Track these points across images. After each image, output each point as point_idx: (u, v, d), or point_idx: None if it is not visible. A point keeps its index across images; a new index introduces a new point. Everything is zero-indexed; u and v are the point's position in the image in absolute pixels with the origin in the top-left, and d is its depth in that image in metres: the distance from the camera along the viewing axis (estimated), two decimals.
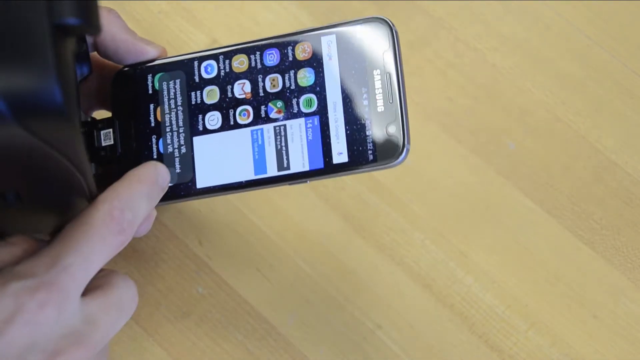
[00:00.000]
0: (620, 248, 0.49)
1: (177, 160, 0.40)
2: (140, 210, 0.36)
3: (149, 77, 0.41)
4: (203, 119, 0.40)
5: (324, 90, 0.39)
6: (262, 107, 0.39)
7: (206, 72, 0.40)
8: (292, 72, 0.39)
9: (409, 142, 0.37)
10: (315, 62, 0.39)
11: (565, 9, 0.54)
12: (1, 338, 0.32)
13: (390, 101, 0.38)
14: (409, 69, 0.53)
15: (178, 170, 0.40)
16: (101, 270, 0.36)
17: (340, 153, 0.38)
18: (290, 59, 0.39)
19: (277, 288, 0.49)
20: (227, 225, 0.50)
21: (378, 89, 0.38)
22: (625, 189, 0.50)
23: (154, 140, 0.40)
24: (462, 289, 0.49)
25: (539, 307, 0.48)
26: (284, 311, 0.48)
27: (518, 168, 0.51)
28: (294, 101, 0.39)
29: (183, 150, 0.40)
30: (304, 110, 0.39)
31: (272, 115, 0.39)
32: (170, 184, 0.39)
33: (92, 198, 0.36)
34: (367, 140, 0.38)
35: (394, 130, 0.38)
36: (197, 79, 0.40)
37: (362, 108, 0.38)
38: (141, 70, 0.41)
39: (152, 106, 0.40)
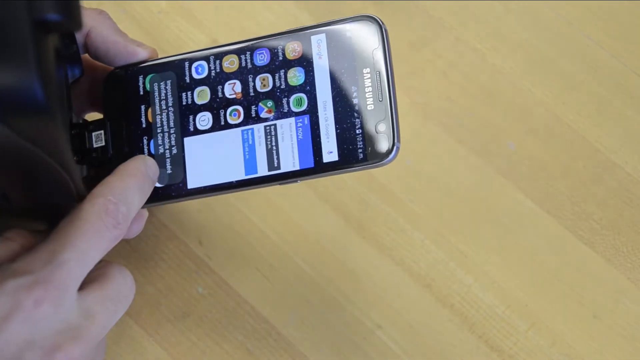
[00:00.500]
0: (620, 248, 0.49)
1: (168, 161, 0.40)
2: (134, 203, 0.37)
3: (140, 78, 0.41)
4: (194, 120, 0.40)
5: (314, 90, 0.39)
6: (253, 107, 0.39)
7: (197, 72, 0.40)
8: (282, 72, 0.39)
9: (399, 141, 0.37)
10: (306, 61, 0.39)
11: (565, 9, 0.54)
12: None
13: (380, 99, 0.38)
14: (409, 69, 0.53)
15: (169, 171, 0.40)
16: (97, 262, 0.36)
17: (330, 152, 0.38)
18: (281, 58, 0.39)
19: (277, 288, 0.49)
20: (227, 225, 0.50)
21: (368, 87, 0.38)
22: (625, 189, 0.50)
23: (145, 141, 0.40)
24: (462, 289, 0.49)
25: (539, 307, 0.48)
26: (284, 311, 0.48)
27: (518, 168, 0.51)
28: (284, 100, 0.39)
29: (174, 151, 0.40)
30: (294, 109, 0.39)
31: (263, 115, 0.39)
32: (161, 185, 0.39)
33: (80, 198, 0.36)
34: (357, 139, 0.38)
35: (384, 128, 0.38)
36: (187, 79, 0.40)
37: (352, 107, 0.38)
38: (132, 71, 0.41)
39: (143, 107, 0.40)
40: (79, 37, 0.40)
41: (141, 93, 0.40)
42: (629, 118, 0.52)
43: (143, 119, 0.40)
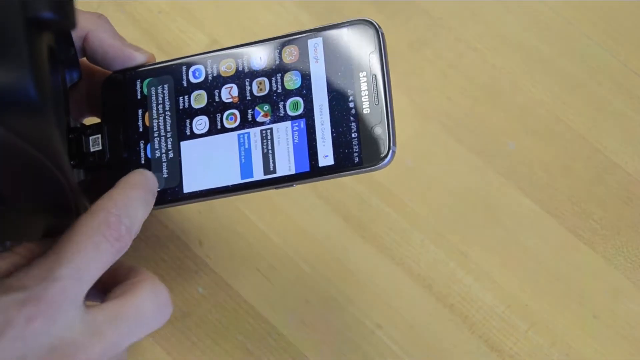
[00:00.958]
0: (620, 248, 0.49)
1: (164, 165, 0.40)
2: (137, 216, 0.36)
3: (138, 83, 0.41)
4: (190, 124, 0.40)
5: (311, 93, 0.39)
6: (249, 111, 0.39)
7: (194, 76, 0.40)
8: (279, 76, 0.39)
9: (395, 144, 0.37)
10: (302, 65, 0.39)
11: (565, 9, 0.54)
12: None
13: (376, 103, 0.38)
14: (409, 68, 0.53)
15: (165, 175, 0.40)
16: (136, 275, 0.35)
17: (326, 156, 0.38)
18: (277, 62, 0.39)
19: (277, 288, 0.49)
20: (227, 225, 0.50)
21: (364, 90, 0.38)
22: (625, 189, 0.50)
23: (141, 145, 0.40)
24: (462, 289, 0.49)
25: (539, 307, 0.48)
26: (284, 311, 0.48)
27: (518, 168, 0.51)
28: (281, 104, 0.39)
29: (170, 155, 0.40)
30: (290, 113, 0.39)
31: (259, 118, 0.39)
32: (157, 189, 0.39)
33: (74, 198, 0.36)
34: (353, 143, 0.38)
35: (380, 132, 0.37)
36: (185, 83, 0.40)
37: (348, 110, 0.38)
38: (130, 75, 0.41)
39: (140, 111, 0.40)
40: (77, 40, 0.39)
41: (139, 97, 0.40)
42: (629, 118, 0.52)
43: (140, 123, 0.40)
